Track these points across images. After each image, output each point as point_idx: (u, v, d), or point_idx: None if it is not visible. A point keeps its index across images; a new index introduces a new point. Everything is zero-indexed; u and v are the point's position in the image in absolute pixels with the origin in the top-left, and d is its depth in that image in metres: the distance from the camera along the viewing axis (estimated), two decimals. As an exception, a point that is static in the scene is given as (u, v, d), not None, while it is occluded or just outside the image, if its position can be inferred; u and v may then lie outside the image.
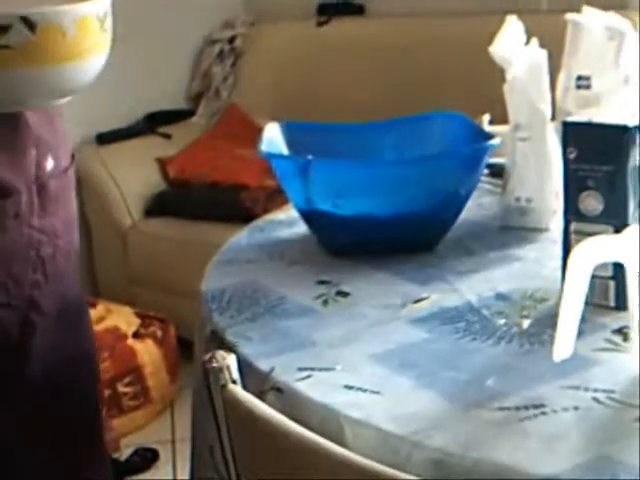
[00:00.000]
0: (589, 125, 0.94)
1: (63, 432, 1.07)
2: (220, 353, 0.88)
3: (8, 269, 0.95)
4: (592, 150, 0.93)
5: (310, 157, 1.08)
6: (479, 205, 1.22)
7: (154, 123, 2.80)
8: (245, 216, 2.22)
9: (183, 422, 1.08)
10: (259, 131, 1.19)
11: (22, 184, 0.95)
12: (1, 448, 1.01)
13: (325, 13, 2.92)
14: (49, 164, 0.99)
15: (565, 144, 0.94)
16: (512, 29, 1.18)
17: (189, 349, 1.21)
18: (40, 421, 1.04)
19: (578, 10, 1.16)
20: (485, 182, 1.27)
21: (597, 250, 0.81)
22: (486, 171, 1.26)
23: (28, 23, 0.77)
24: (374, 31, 2.80)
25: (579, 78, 1.14)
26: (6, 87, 0.81)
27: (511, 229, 1.16)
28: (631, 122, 0.92)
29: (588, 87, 1.14)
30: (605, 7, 1.17)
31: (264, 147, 1.15)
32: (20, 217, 0.95)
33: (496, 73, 1.18)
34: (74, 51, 0.81)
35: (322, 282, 1.04)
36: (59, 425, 1.06)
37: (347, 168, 1.10)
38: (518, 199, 1.16)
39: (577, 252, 0.80)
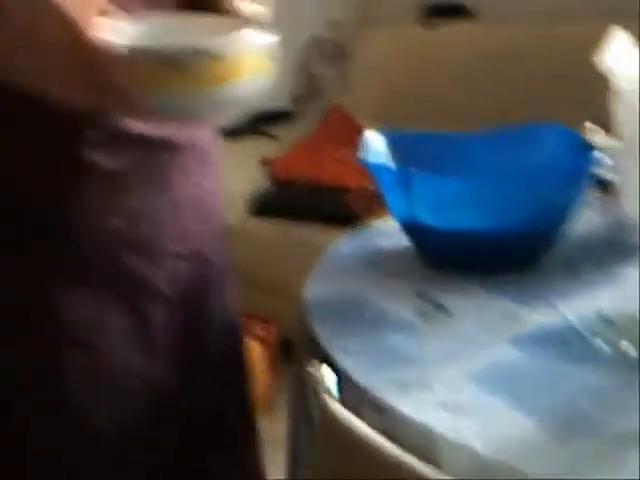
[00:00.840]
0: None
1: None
2: (317, 363, 0.90)
3: (179, 222, 0.96)
4: None
5: (412, 169, 1.08)
6: (586, 220, 1.19)
7: (259, 123, 2.84)
8: (348, 218, 2.24)
9: (283, 422, 1.09)
10: (363, 133, 1.20)
11: (188, 141, 0.97)
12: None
13: (433, 15, 2.91)
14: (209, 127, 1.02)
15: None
16: (619, 38, 1.15)
17: (289, 349, 1.22)
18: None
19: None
20: (593, 196, 1.24)
21: None
22: (594, 185, 1.23)
23: (201, 54, 0.80)
24: (483, 35, 2.77)
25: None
26: (175, 106, 0.83)
27: (620, 246, 1.13)
28: None
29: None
30: None
31: (365, 154, 1.15)
32: (187, 173, 0.96)
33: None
34: (233, 75, 0.83)
35: (422, 296, 1.04)
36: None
37: (449, 182, 1.09)
38: (628, 215, 1.13)
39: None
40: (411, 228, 1.14)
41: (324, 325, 0.99)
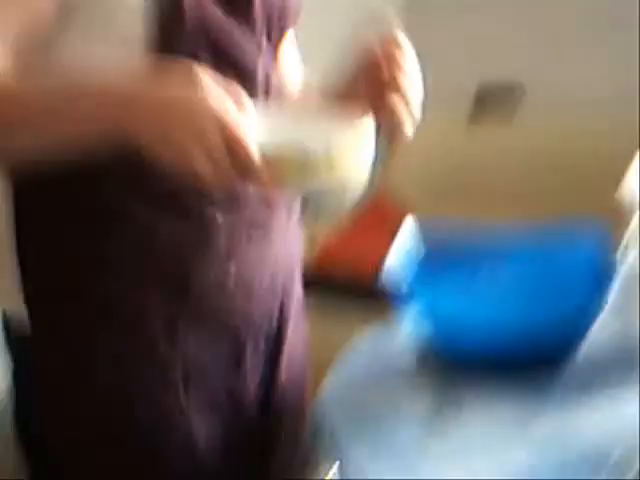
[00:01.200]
0: None
1: None
2: (325, 461, 0.89)
3: (274, 265, 1.11)
4: None
5: (435, 265, 1.08)
6: (613, 326, 1.16)
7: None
8: (383, 307, 2.22)
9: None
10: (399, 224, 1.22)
11: (282, 203, 1.12)
12: None
13: (481, 101, 2.91)
14: None
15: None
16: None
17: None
18: None
19: None
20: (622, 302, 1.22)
21: None
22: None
23: (321, 150, 0.89)
24: (530, 131, 2.78)
25: None
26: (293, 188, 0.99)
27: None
28: None
29: None
30: None
31: (397, 244, 1.17)
32: (279, 227, 1.11)
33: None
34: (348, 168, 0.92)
35: (437, 393, 1.04)
36: None
37: (472, 279, 1.09)
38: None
39: None
40: (434, 322, 1.13)
41: (335, 420, 0.99)
